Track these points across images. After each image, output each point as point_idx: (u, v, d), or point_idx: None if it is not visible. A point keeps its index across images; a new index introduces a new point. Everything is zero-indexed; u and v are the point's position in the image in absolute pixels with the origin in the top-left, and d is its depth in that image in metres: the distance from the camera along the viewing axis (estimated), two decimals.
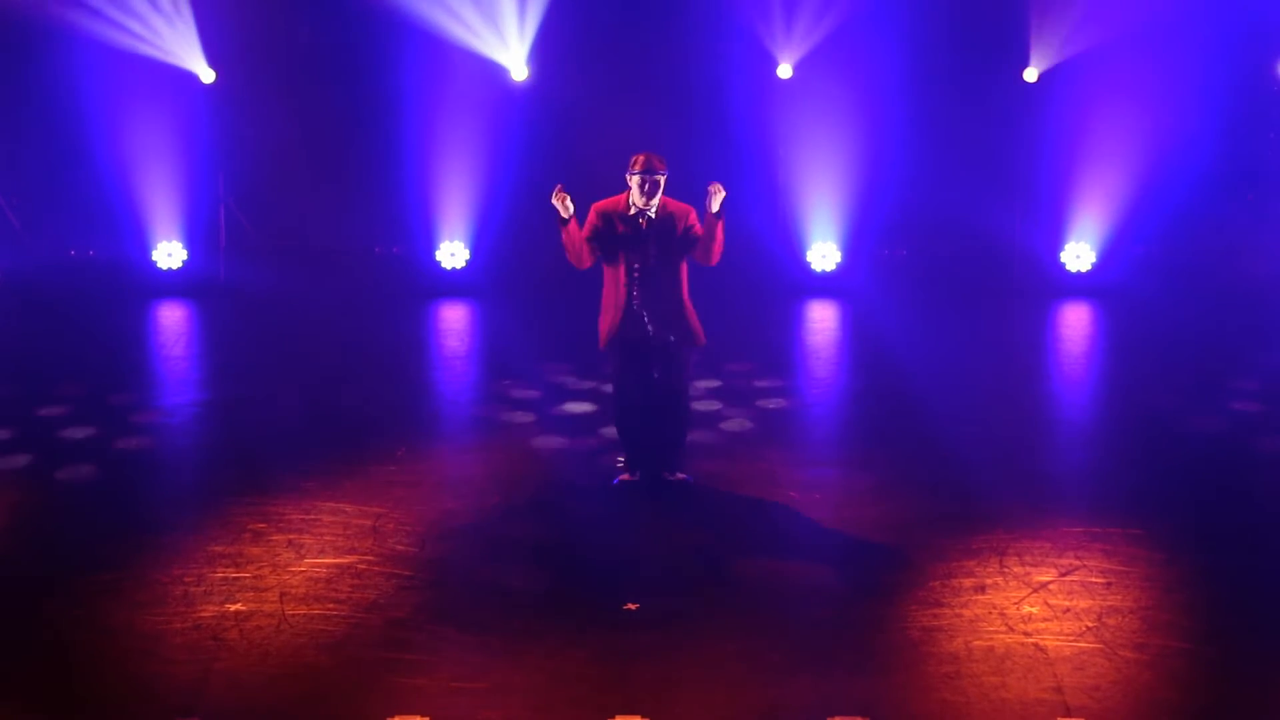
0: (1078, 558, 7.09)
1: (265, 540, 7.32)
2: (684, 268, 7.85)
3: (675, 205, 7.78)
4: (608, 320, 7.85)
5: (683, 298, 7.83)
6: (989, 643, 6.19)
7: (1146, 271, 13.36)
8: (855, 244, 13.62)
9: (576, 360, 10.67)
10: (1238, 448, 8.94)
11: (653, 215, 7.70)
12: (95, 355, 11.25)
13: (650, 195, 7.64)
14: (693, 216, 7.77)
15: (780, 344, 11.83)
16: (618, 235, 7.71)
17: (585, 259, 7.82)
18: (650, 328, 7.79)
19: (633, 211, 7.70)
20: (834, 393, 10.51)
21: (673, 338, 7.82)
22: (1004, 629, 6.33)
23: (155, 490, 8.36)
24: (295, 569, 6.96)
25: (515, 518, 7.72)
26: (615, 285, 7.79)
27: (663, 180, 7.65)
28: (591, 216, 7.78)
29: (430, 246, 13.70)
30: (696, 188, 7.82)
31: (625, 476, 8.15)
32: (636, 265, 7.73)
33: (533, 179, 13.58)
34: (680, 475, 8.09)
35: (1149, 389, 10.20)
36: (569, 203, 7.69)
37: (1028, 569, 6.96)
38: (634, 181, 7.65)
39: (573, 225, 7.76)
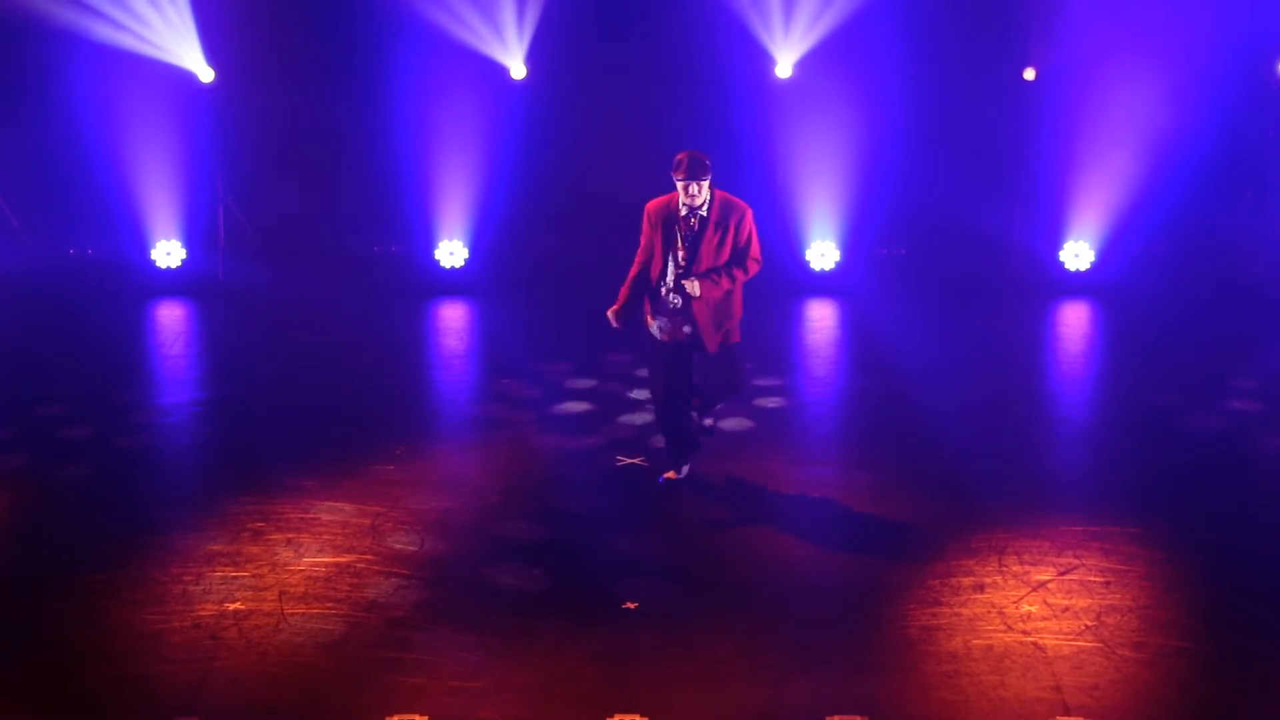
0: (1076, 556, 7.09)
1: (264, 539, 7.32)
2: (736, 271, 7.70)
3: (731, 200, 7.66)
4: (646, 307, 7.80)
5: (727, 297, 7.71)
6: (988, 641, 6.19)
7: (1145, 270, 13.35)
8: (854, 243, 13.62)
9: (576, 359, 10.68)
10: (1237, 447, 8.94)
11: (704, 214, 7.62)
12: (94, 354, 11.24)
13: (695, 195, 7.55)
14: (749, 217, 7.65)
15: (779, 343, 11.82)
16: (671, 234, 7.64)
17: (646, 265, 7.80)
18: (688, 328, 7.73)
19: (684, 212, 7.62)
20: (833, 392, 10.51)
21: (717, 338, 7.75)
22: (1003, 628, 6.33)
23: (154, 489, 8.35)
24: (294, 568, 6.96)
25: (515, 517, 7.72)
26: (651, 275, 7.71)
27: (707, 180, 7.54)
28: (645, 219, 7.72)
29: (429, 245, 13.70)
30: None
31: (670, 475, 8.12)
32: (683, 263, 7.63)
33: (531, 178, 13.59)
34: (709, 420, 8.15)
35: (1148, 388, 10.20)
36: (616, 316, 7.74)
37: (1027, 568, 6.97)
38: (679, 183, 7.56)
39: (621, 296, 7.78)
